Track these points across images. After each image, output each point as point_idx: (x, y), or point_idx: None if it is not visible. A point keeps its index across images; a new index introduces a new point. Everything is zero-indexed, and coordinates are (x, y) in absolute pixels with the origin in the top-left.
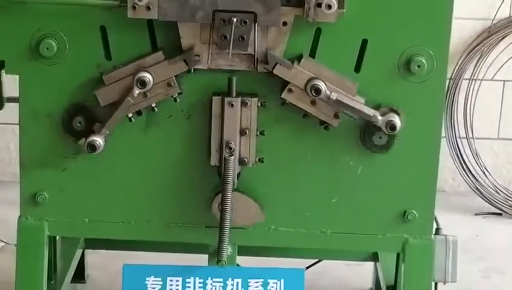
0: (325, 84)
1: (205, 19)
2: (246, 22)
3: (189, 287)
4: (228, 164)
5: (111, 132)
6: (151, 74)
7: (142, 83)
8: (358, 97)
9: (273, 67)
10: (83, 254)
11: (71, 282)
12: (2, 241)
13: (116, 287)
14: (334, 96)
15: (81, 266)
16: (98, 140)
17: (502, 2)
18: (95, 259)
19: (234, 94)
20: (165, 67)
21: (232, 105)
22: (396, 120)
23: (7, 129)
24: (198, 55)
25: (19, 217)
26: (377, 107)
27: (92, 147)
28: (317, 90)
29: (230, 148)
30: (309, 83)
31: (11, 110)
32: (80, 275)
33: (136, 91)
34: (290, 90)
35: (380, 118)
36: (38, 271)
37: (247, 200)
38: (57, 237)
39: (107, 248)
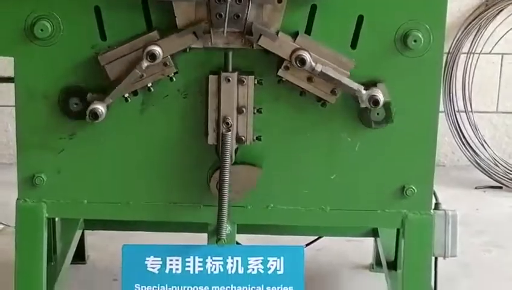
0: (310, 54)
1: None
2: (241, 0)
3: (189, 266)
4: (226, 139)
5: (113, 102)
6: (160, 47)
7: (152, 56)
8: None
9: (258, 39)
10: (82, 235)
11: (71, 263)
12: (1, 223)
13: (116, 267)
14: (319, 68)
15: (81, 247)
16: (100, 108)
17: None
18: (95, 240)
19: (231, 69)
20: (174, 41)
21: (229, 80)
22: (379, 95)
23: (4, 111)
24: (196, 33)
25: (17, 199)
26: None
27: (94, 115)
28: (302, 61)
29: (227, 123)
30: (294, 53)
31: (8, 92)
32: (80, 256)
33: (145, 64)
34: (287, 68)
35: (363, 92)
36: (37, 253)
37: (247, 169)
38: (56, 219)
39: (106, 229)
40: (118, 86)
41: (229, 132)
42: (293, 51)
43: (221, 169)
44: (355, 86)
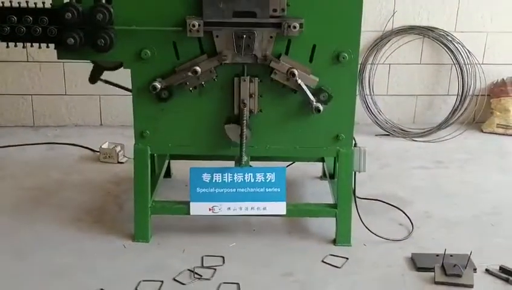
0: (298, 71)
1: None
2: (250, 37)
3: (225, 177)
4: (243, 111)
5: (167, 84)
6: (199, 66)
7: (195, 72)
8: (313, 77)
9: (270, 62)
10: (169, 162)
11: (163, 178)
12: (128, 157)
13: (186, 179)
14: (299, 81)
15: (168, 170)
16: (158, 84)
17: (388, 21)
18: (176, 165)
19: (245, 75)
20: (208, 62)
21: (245, 80)
22: (321, 107)
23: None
24: (226, 56)
25: (134, 144)
26: (319, 91)
27: (154, 88)
28: (293, 74)
29: (244, 103)
30: (289, 70)
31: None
32: (168, 174)
33: (189, 74)
34: (275, 73)
35: (314, 104)
36: (145, 173)
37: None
38: (155, 154)
39: (181, 159)
40: (171, 77)
41: (245, 108)
42: (289, 69)
43: (241, 127)
44: (311, 97)
